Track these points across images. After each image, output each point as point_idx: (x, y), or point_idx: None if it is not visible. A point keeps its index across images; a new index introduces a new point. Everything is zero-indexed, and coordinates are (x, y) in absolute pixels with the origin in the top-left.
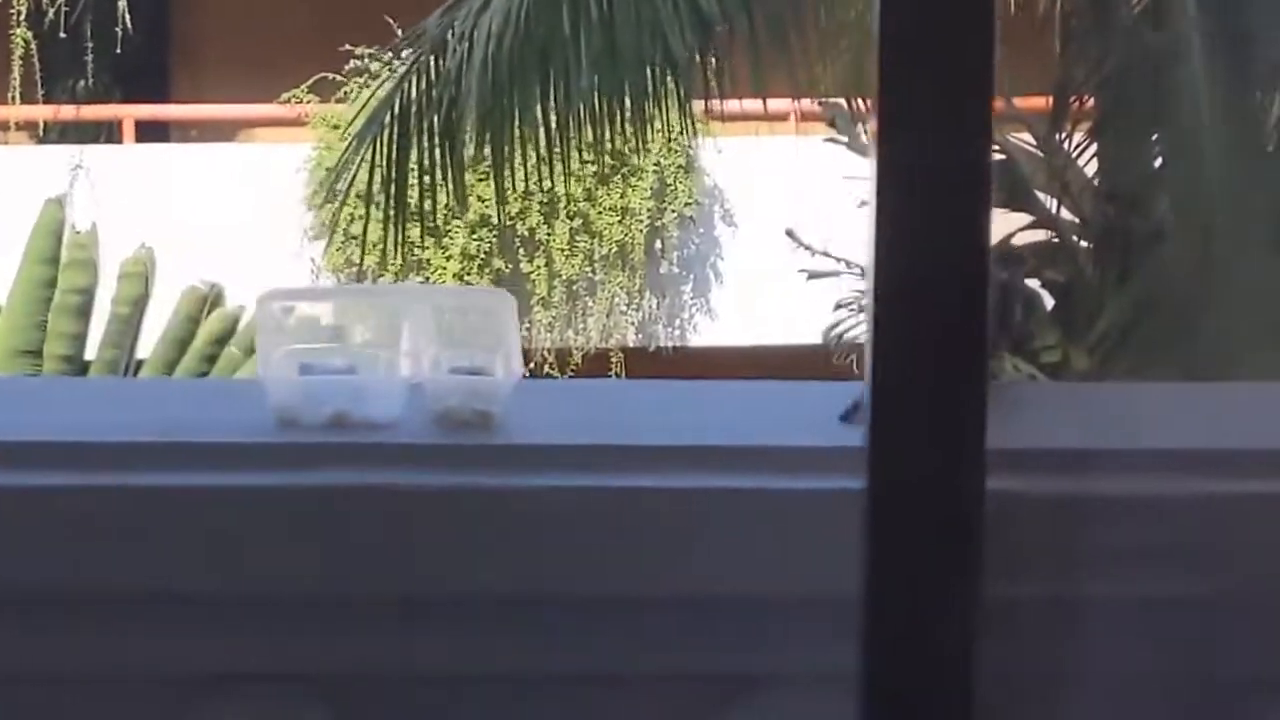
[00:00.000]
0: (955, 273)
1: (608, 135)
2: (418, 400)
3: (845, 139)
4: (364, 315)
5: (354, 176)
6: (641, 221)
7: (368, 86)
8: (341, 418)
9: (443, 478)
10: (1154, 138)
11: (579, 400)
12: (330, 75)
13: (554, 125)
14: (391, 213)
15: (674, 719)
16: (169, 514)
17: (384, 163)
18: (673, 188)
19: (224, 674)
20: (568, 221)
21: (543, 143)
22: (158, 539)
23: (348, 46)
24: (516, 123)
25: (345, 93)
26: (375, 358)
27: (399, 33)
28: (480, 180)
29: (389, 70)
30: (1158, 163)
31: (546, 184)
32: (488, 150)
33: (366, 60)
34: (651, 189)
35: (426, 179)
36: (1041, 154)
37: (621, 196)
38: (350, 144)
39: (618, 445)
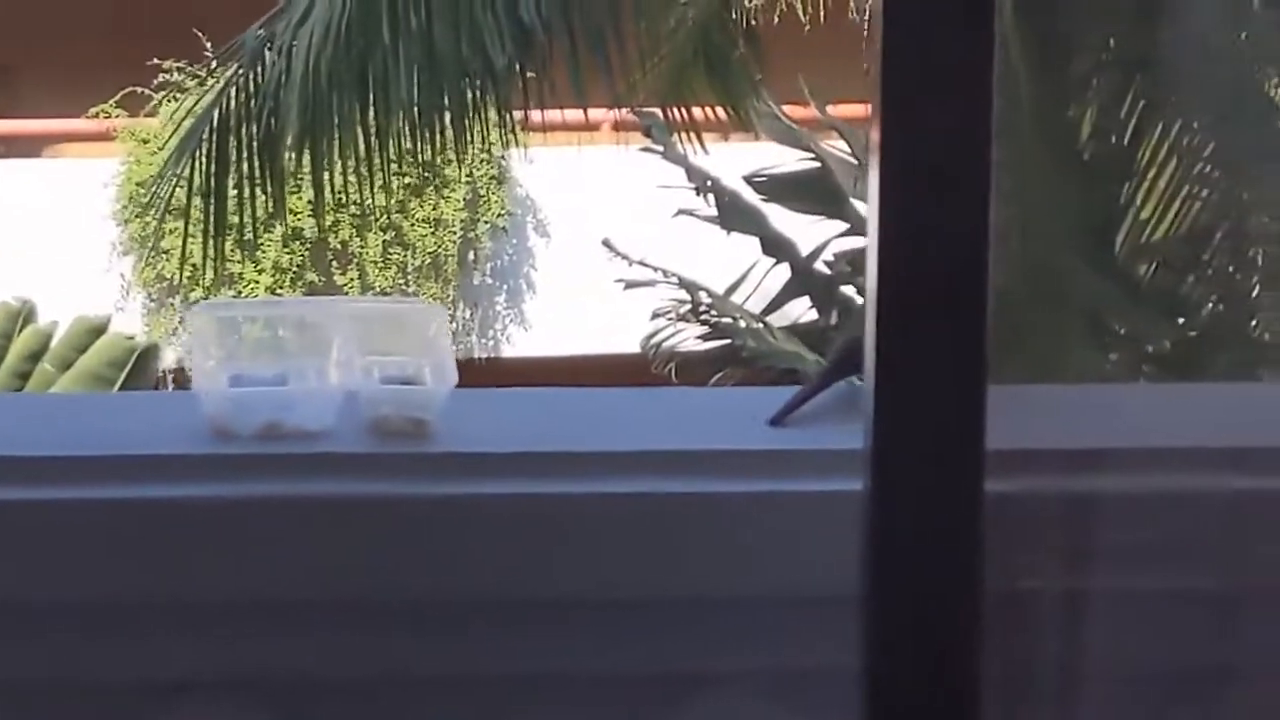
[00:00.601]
0: (954, 273)
1: (427, 146)
2: (351, 409)
3: (661, 148)
4: (294, 326)
5: (173, 190)
6: (454, 233)
7: (176, 100)
8: (275, 427)
9: (378, 486)
10: None
11: (513, 408)
12: (139, 89)
13: (374, 136)
14: (211, 226)
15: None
16: (107, 526)
17: (202, 176)
18: (485, 199)
19: (169, 683)
20: (380, 233)
21: (362, 154)
22: (97, 551)
23: (156, 60)
24: (337, 134)
25: (154, 107)
26: (306, 368)
27: (208, 46)
28: (292, 193)
29: (198, 84)
30: None
31: (358, 196)
32: (307, 162)
33: (175, 74)
34: (464, 200)
35: (242, 192)
36: (856, 161)
37: (434, 208)
38: (170, 158)
39: (553, 452)
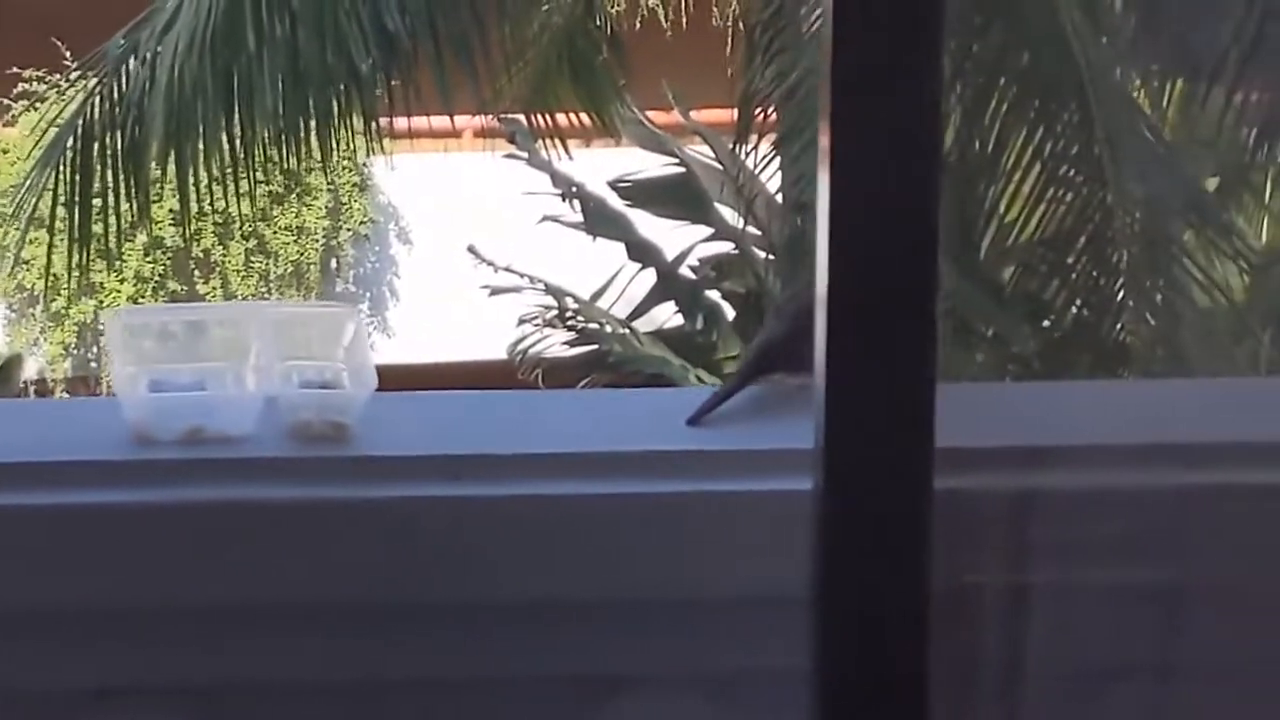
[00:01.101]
0: (903, 272)
1: (292, 154)
2: (271, 414)
3: (525, 154)
4: (211, 331)
5: (37, 200)
6: (317, 240)
7: (36, 110)
8: (196, 433)
9: (300, 490)
10: None
11: (433, 411)
12: None
13: (239, 145)
14: (76, 236)
15: None
16: (31, 532)
17: (66, 186)
18: (347, 206)
19: (88, 690)
20: (243, 242)
21: (227, 162)
22: (22, 558)
23: (15, 70)
24: (202, 143)
25: (13, 116)
26: (224, 373)
27: (67, 55)
28: (153, 202)
29: (58, 93)
30: None
31: (222, 204)
32: (172, 171)
33: (34, 83)
34: (326, 208)
35: (106, 201)
36: (721, 166)
37: (296, 216)
38: (33, 168)
39: (474, 455)
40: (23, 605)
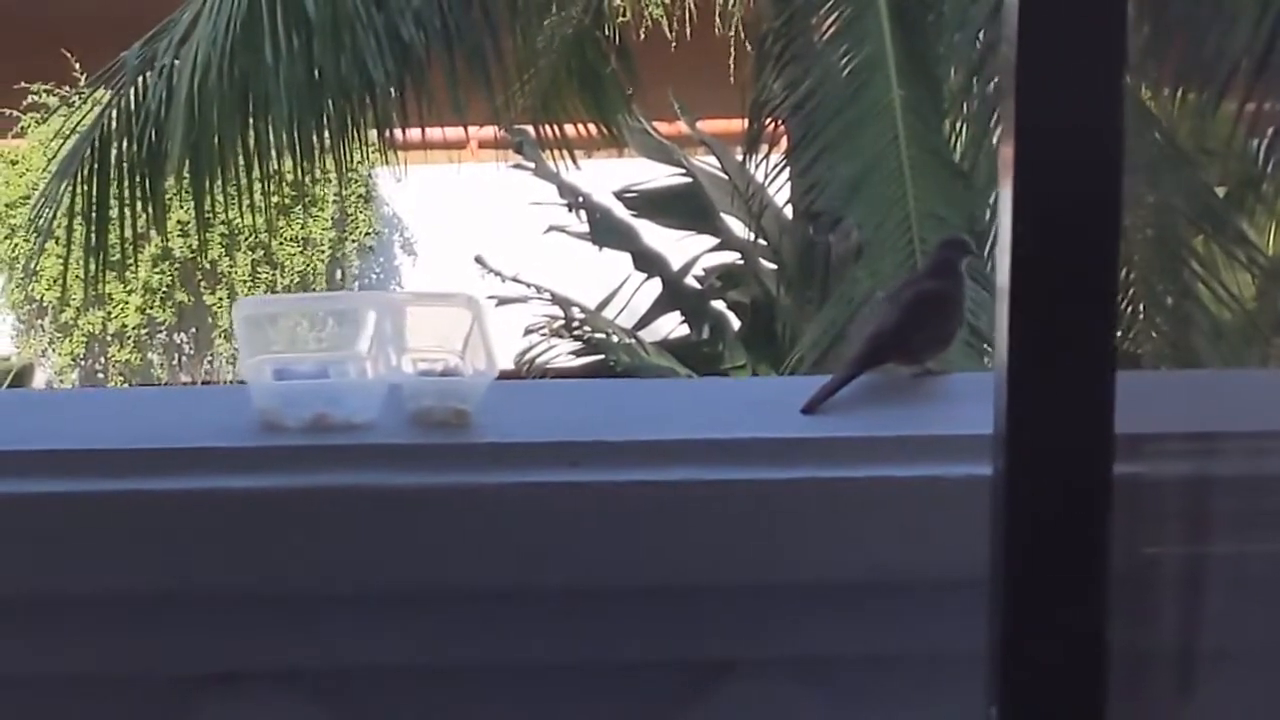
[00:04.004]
0: (1087, 262)
1: (306, 165)
2: (394, 401)
3: (532, 165)
4: (334, 320)
5: (55, 212)
6: (323, 251)
7: (45, 122)
8: (322, 419)
9: (423, 477)
10: (850, 156)
11: (551, 399)
12: (6, 111)
13: (253, 156)
14: (91, 248)
15: (653, 705)
16: (162, 517)
17: (83, 197)
18: (353, 217)
19: (220, 673)
20: (249, 253)
21: (242, 173)
22: (153, 542)
23: (23, 84)
24: (220, 153)
25: (22, 128)
26: (345, 361)
27: (77, 67)
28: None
29: (68, 106)
30: (855, 181)
31: (233, 215)
32: (182, 183)
33: (44, 96)
34: (332, 219)
35: (122, 212)
36: (727, 177)
37: (302, 227)
38: (50, 181)
39: (593, 441)
40: (153, 589)
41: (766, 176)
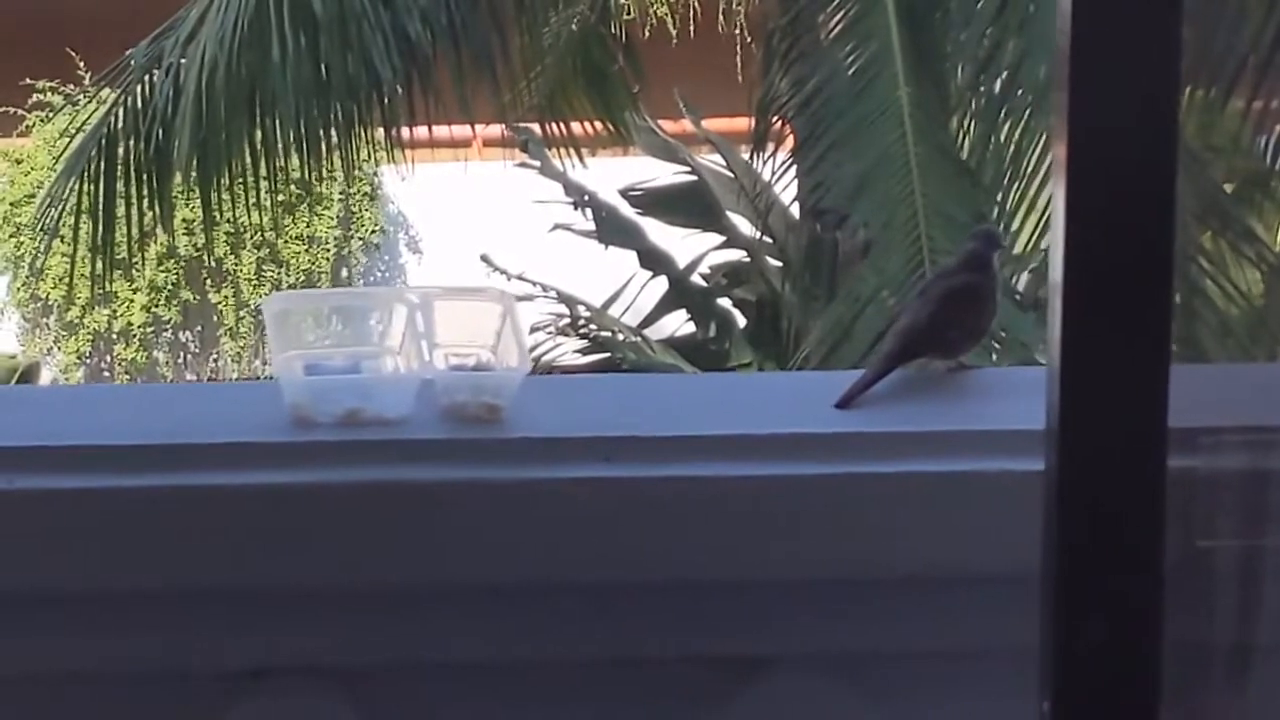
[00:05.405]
0: (1139, 258)
1: (312, 163)
2: (426, 396)
3: (537, 163)
4: (365, 316)
5: (61, 211)
6: (328, 250)
7: (49, 121)
8: (354, 415)
9: (456, 472)
10: (857, 154)
11: (584, 394)
12: (10, 110)
13: (260, 154)
14: (97, 245)
15: (687, 701)
16: (194, 512)
17: (90, 196)
18: (358, 215)
19: (254, 669)
20: (255, 251)
21: (248, 171)
22: (186, 538)
23: (28, 81)
24: (228, 152)
25: (27, 127)
26: (377, 356)
27: (82, 66)
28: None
29: (73, 105)
30: (862, 178)
31: (240, 213)
32: (194, 180)
33: (49, 94)
34: (337, 217)
35: (129, 211)
36: (733, 175)
37: (308, 225)
38: (56, 179)
39: (626, 436)
40: (186, 586)
41: (773, 174)
